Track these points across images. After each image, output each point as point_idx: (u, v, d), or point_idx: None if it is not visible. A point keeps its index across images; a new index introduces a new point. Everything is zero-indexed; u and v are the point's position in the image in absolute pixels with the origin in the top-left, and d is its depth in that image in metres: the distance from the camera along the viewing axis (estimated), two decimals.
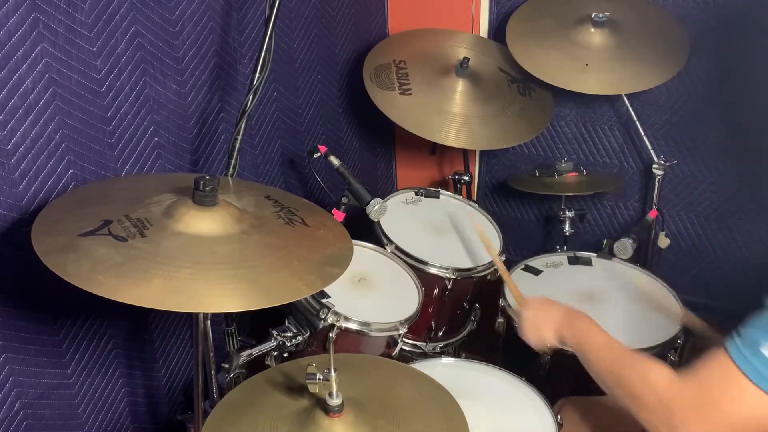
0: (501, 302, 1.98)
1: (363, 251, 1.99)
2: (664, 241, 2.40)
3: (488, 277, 2.06)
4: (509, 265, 2.12)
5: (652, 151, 2.31)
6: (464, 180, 2.42)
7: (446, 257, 2.01)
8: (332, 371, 1.17)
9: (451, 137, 2.22)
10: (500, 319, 2.00)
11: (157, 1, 1.69)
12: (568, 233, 2.36)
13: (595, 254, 2.17)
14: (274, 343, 1.66)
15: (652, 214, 2.33)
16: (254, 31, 2.03)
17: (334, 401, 1.18)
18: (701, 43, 2.25)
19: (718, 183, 2.42)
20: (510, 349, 2.01)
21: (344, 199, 1.97)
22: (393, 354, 1.84)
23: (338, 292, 1.70)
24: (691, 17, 2.26)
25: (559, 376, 1.86)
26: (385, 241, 2.01)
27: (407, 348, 2.00)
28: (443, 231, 2.16)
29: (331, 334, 1.71)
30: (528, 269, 2.12)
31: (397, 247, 1.99)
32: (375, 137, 2.80)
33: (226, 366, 1.56)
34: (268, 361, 1.67)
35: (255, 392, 1.32)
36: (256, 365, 1.60)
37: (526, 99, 2.36)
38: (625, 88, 2.24)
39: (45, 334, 1.57)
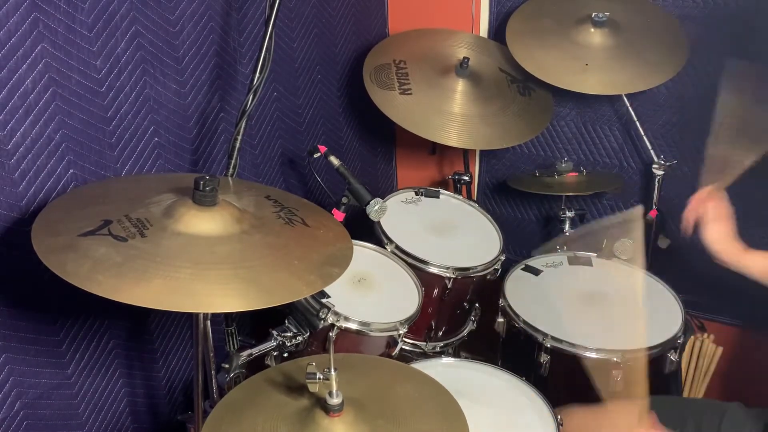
0: (501, 302, 1.98)
1: (363, 251, 1.99)
2: (664, 241, 2.39)
3: (488, 277, 2.07)
4: (509, 265, 2.13)
5: (652, 151, 2.31)
6: (464, 180, 2.42)
7: (446, 257, 2.01)
8: (332, 371, 1.17)
9: (451, 137, 2.21)
10: (500, 319, 1.99)
11: (157, 1, 1.69)
12: (568, 233, 2.36)
13: (595, 254, 2.17)
14: (274, 343, 1.66)
15: (652, 214, 2.32)
16: (254, 31, 2.03)
17: (334, 401, 1.18)
18: (701, 43, 2.24)
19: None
20: (510, 349, 2.02)
21: (344, 199, 1.97)
22: (393, 354, 1.84)
23: (338, 292, 1.70)
24: (691, 17, 2.25)
25: (559, 376, 1.86)
26: (386, 241, 2.01)
27: (407, 348, 2.00)
28: (443, 231, 2.16)
29: (331, 334, 1.72)
30: (528, 269, 2.12)
31: (398, 247, 1.99)
32: (375, 137, 2.80)
33: (226, 366, 1.56)
34: (268, 361, 1.67)
35: (255, 392, 1.32)
36: (256, 365, 1.60)
37: (526, 99, 2.36)
38: (625, 88, 2.24)
39: (45, 334, 1.57)
